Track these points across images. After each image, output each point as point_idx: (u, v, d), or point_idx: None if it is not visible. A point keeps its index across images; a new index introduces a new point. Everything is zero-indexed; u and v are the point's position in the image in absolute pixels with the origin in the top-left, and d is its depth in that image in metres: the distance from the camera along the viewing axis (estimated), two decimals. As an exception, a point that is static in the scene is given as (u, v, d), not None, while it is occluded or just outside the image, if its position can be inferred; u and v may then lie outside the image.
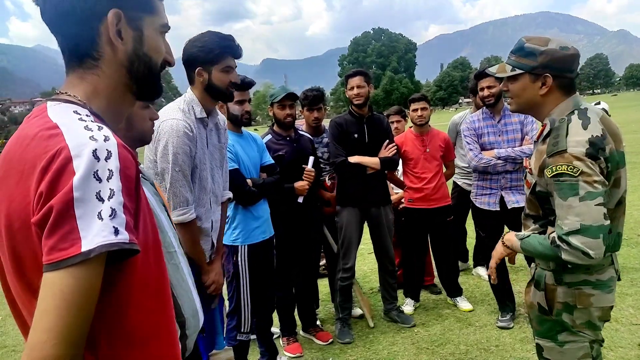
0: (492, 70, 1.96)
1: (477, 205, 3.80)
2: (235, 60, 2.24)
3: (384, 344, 3.60)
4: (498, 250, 1.98)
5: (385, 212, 3.82)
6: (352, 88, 3.68)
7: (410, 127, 4.23)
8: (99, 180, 0.80)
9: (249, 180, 2.92)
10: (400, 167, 4.20)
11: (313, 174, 3.40)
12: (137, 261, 0.88)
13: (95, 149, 0.81)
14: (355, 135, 3.70)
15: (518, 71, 1.81)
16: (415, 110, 4.06)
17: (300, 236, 3.49)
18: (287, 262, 3.49)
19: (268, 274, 3.07)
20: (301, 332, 3.85)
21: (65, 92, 0.96)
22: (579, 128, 1.68)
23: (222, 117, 2.41)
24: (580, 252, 1.60)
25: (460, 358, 3.30)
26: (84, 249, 0.76)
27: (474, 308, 4.05)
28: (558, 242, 1.65)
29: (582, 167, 1.61)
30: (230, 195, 2.50)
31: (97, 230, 0.77)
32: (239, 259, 2.87)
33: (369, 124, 3.75)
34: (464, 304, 4.11)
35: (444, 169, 4.22)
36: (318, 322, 3.95)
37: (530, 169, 1.89)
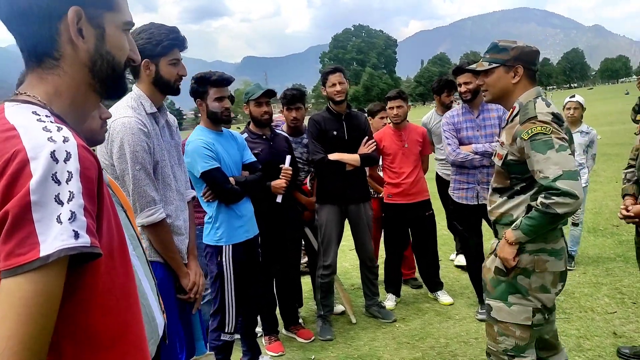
0: (473, 66, 2.31)
1: (455, 199, 3.84)
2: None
3: (364, 339, 3.62)
4: (508, 251, 2.09)
5: (365, 209, 3.83)
6: (334, 85, 3.66)
7: (389, 123, 4.25)
8: (58, 182, 0.78)
9: (231, 179, 2.89)
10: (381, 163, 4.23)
11: (290, 172, 3.37)
12: (100, 264, 0.86)
13: (54, 151, 0.79)
14: (334, 133, 3.70)
15: (494, 64, 2.16)
16: (392, 108, 4.09)
17: (279, 235, 3.48)
18: (267, 260, 3.47)
19: (252, 273, 3.05)
20: (283, 331, 3.84)
21: (25, 93, 0.93)
22: (543, 105, 2.06)
23: (171, 116, 2.31)
24: (568, 195, 1.86)
25: (440, 351, 3.33)
26: (42, 253, 0.74)
27: (453, 302, 4.09)
28: (545, 200, 1.91)
29: (551, 127, 1.96)
30: (194, 194, 2.42)
31: (56, 234, 0.75)
32: (224, 258, 2.84)
33: (347, 121, 3.76)
34: (444, 297, 4.15)
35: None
36: (300, 320, 3.95)
37: (502, 141, 2.17)
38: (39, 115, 0.87)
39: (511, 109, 2.17)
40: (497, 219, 2.22)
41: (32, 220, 0.75)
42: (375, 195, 4.33)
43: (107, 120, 1.78)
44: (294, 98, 3.79)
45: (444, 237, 5.41)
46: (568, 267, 4.48)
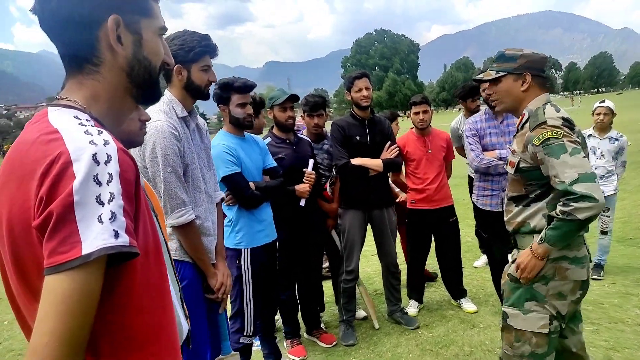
0: (480, 75, 2.29)
1: (478, 206, 3.80)
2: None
3: (387, 345, 3.60)
4: (535, 265, 2.04)
5: (388, 214, 3.82)
6: (360, 90, 3.66)
7: (412, 127, 4.24)
8: (99, 183, 0.81)
9: (251, 184, 2.92)
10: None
11: (314, 176, 3.40)
12: (137, 264, 0.89)
13: (95, 153, 0.82)
14: (358, 138, 3.71)
15: (502, 73, 2.16)
16: (417, 113, 4.07)
17: (302, 239, 3.50)
18: (290, 264, 3.49)
19: (271, 277, 3.08)
20: (305, 335, 3.85)
21: (66, 98, 0.97)
22: (552, 111, 2.04)
23: (202, 120, 2.38)
24: (587, 198, 1.82)
25: (464, 359, 3.29)
26: (84, 252, 0.77)
27: (478, 309, 4.04)
28: (565, 208, 1.86)
29: (563, 131, 1.94)
30: (223, 195, 2.47)
31: (97, 233, 0.78)
32: (242, 262, 2.88)
33: (370, 126, 3.76)
34: (468, 305, 4.10)
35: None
36: (322, 325, 3.95)
37: (514, 149, 2.16)
38: (80, 119, 0.90)
39: (521, 116, 2.15)
40: (515, 229, 2.18)
41: (74, 220, 0.78)
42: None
43: (146, 122, 1.83)
44: (317, 105, 3.80)
45: (468, 243, 5.35)
46: (597, 277, 4.43)
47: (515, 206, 2.15)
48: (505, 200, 2.23)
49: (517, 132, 2.17)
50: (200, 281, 2.19)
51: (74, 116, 0.91)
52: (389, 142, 3.79)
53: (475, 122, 3.96)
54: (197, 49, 2.14)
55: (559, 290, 2.04)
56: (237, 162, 2.87)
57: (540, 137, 1.95)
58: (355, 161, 3.65)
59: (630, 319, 3.62)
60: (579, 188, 1.83)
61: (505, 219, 2.22)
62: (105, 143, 0.85)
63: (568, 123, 1.99)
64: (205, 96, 2.28)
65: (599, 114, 4.48)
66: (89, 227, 0.78)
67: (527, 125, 2.07)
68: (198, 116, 2.34)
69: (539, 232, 2.05)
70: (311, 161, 3.44)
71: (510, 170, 2.15)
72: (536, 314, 2.06)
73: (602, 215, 4.54)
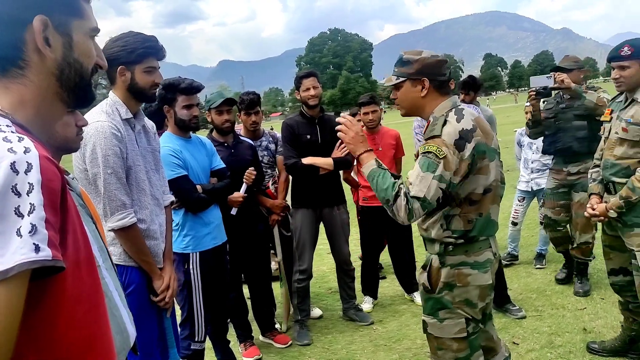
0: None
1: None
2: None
3: (342, 343, 3.63)
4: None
5: (339, 212, 3.85)
6: (308, 89, 3.67)
7: (363, 126, 4.28)
8: (18, 194, 0.76)
9: (198, 187, 2.87)
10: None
11: (241, 199, 3.31)
12: (66, 276, 0.85)
13: (14, 162, 0.77)
14: (308, 137, 3.71)
15: (401, 79, 2.08)
16: (366, 113, 4.12)
17: (243, 243, 3.45)
18: (233, 267, 3.43)
19: (221, 280, 3.03)
20: (260, 337, 3.81)
21: None
22: (453, 121, 1.97)
23: (149, 122, 2.35)
24: (409, 213, 1.87)
25: (416, 352, 3.36)
26: (1, 267, 0.73)
27: (429, 302, 4.13)
28: (401, 195, 1.88)
29: (447, 153, 1.89)
30: (173, 198, 2.43)
31: (16, 247, 0.74)
32: (191, 266, 2.81)
33: (320, 125, 3.77)
34: (420, 298, 4.19)
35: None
36: (277, 326, 3.94)
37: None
38: None
39: (427, 123, 2.12)
40: (421, 234, 2.22)
41: None
42: None
43: (82, 127, 1.77)
44: (252, 103, 3.80)
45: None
46: (540, 266, 4.63)
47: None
48: None
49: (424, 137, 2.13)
50: (147, 285, 2.15)
51: None
52: (340, 140, 3.80)
53: (423, 120, 4.06)
54: (139, 50, 2.09)
55: (465, 297, 2.04)
56: (182, 164, 2.81)
57: (426, 147, 1.93)
58: (306, 160, 3.65)
59: (570, 304, 3.81)
60: (414, 204, 1.86)
61: (416, 223, 2.22)
62: (26, 150, 0.80)
63: (464, 139, 1.92)
64: (149, 99, 2.24)
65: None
66: (8, 241, 0.74)
67: (427, 129, 2.05)
68: (145, 118, 2.30)
69: (438, 241, 2.06)
70: (244, 186, 3.35)
71: None
72: (450, 321, 2.06)
73: (517, 205, 4.82)
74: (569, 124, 3.86)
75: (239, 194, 3.30)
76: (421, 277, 2.19)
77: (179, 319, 2.90)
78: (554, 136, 3.94)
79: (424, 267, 2.20)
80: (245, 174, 3.36)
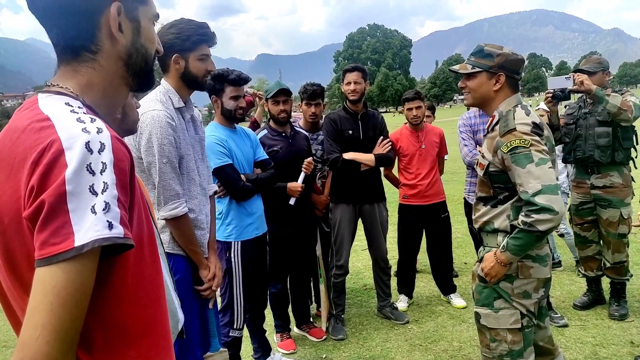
0: (455, 67, 2.24)
1: (469, 201, 3.81)
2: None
3: (377, 340, 3.61)
4: (499, 270, 2.07)
5: (379, 209, 3.82)
6: (349, 83, 3.66)
7: (405, 123, 4.23)
8: (92, 173, 0.78)
9: (242, 176, 2.90)
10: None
11: (300, 189, 3.34)
12: (131, 256, 0.87)
13: (88, 141, 0.80)
14: (350, 132, 3.69)
15: (477, 69, 2.13)
16: (410, 109, 4.06)
17: (293, 233, 3.48)
18: (281, 258, 3.48)
19: (261, 270, 3.06)
20: (295, 329, 3.84)
21: (57, 84, 0.94)
22: (523, 115, 2.03)
23: (197, 111, 2.35)
24: (547, 211, 1.87)
25: (453, 355, 3.31)
26: (77, 243, 0.75)
27: (467, 305, 4.06)
28: (527, 219, 1.91)
29: (531, 139, 1.95)
30: (216, 188, 2.44)
31: (91, 224, 0.76)
32: (232, 255, 2.85)
33: (363, 121, 3.74)
34: (457, 300, 4.12)
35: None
36: (312, 319, 3.95)
37: (483, 152, 2.18)
38: (72, 106, 0.88)
39: (491, 118, 2.16)
40: (480, 227, 2.22)
41: (67, 210, 0.75)
42: None
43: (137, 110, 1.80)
44: (315, 94, 3.77)
45: (458, 239, 5.38)
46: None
47: (483, 205, 2.18)
48: (475, 200, 2.26)
49: (487, 133, 2.18)
50: (192, 274, 2.17)
51: (66, 103, 0.88)
52: (382, 136, 3.78)
53: (469, 118, 3.99)
54: (194, 37, 2.09)
55: (524, 289, 2.07)
56: (228, 153, 2.85)
57: (509, 144, 1.97)
58: (347, 155, 3.64)
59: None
60: (540, 200, 1.87)
61: (473, 217, 2.27)
62: (99, 131, 0.82)
63: (538, 128, 1.99)
64: (202, 87, 2.24)
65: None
66: (82, 218, 0.76)
67: (497, 128, 2.07)
68: (193, 107, 2.31)
69: (502, 231, 2.09)
70: (302, 176, 3.39)
71: (480, 172, 2.18)
72: (507, 311, 2.08)
73: None
74: (590, 130, 3.57)
75: (298, 184, 3.33)
76: (476, 270, 2.21)
77: (219, 307, 2.96)
78: (574, 144, 3.66)
79: (480, 261, 2.20)
80: (305, 163, 3.40)
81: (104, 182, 0.79)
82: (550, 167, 1.92)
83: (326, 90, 4.90)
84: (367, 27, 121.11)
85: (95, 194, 0.78)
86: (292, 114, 3.75)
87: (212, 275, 2.19)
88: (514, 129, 1.98)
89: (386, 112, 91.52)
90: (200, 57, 2.13)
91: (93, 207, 0.77)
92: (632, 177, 3.64)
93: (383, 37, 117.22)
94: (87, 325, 0.81)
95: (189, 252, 2.12)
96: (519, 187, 1.96)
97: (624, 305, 3.69)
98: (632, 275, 3.77)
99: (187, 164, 2.12)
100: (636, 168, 3.65)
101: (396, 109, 74.87)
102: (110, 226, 0.77)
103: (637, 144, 3.60)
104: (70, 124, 0.82)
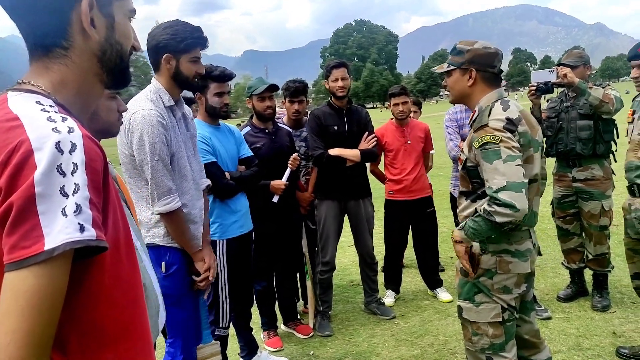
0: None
1: (455, 196, 3.84)
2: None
3: (363, 336, 3.62)
4: (459, 250, 2.17)
5: (364, 205, 3.82)
6: (337, 80, 3.64)
7: (391, 118, 4.24)
8: (63, 174, 0.76)
9: (227, 174, 2.88)
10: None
11: (284, 187, 3.34)
12: (107, 257, 0.85)
13: (59, 141, 0.77)
14: (335, 128, 3.69)
15: (451, 67, 2.17)
16: (396, 104, 4.06)
17: (277, 230, 3.46)
18: (266, 256, 3.46)
19: (246, 269, 3.05)
20: (282, 326, 3.84)
21: (28, 82, 0.91)
22: (499, 110, 2.03)
23: (187, 108, 2.40)
24: (508, 206, 1.88)
25: (439, 349, 3.33)
26: (47, 246, 0.73)
27: (453, 299, 4.09)
28: (488, 207, 1.94)
29: (501, 136, 1.95)
30: (209, 182, 2.48)
31: (61, 227, 0.74)
32: (217, 253, 2.83)
33: (348, 116, 3.74)
34: (443, 295, 4.15)
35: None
36: (299, 316, 3.95)
37: (463, 148, 2.20)
38: (43, 105, 0.85)
39: (472, 113, 2.18)
40: (462, 221, 2.23)
41: (36, 213, 0.73)
42: None
43: (122, 113, 1.82)
44: (297, 91, 3.76)
45: (444, 234, 5.41)
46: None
47: (465, 200, 2.21)
48: (458, 194, 2.30)
49: (471, 127, 2.21)
50: (188, 267, 2.24)
51: (37, 101, 0.86)
52: (367, 132, 3.78)
53: (455, 113, 4.02)
54: (188, 40, 2.16)
55: (503, 284, 2.09)
56: (212, 151, 2.83)
57: (480, 140, 1.99)
58: (333, 151, 3.63)
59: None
60: (503, 196, 1.89)
61: (457, 211, 2.31)
62: (70, 130, 0.80)
63: (511, 124, 1.98)
64: (193, 87, 2.31)
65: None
66: (53, 220, 0.74)
67: (475, 121, 2.11)
68: (184, 105, 2.36)
69: None
70: (287, 172, 3.38)
71: (459, 166, 2.22)
72: (487, 305, 2.11)
73: None
74: (572, 123, 3.60)
75: (281, 182, 3.32)
76: (459, 264, 2.22)
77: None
78: (556, 137, 3.69)
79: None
80: (291, 159, 3.40)
81: (75, 183, 0.77)
82: (518, 165, 1.92)
83: (313, 86, 4.87)
84: (353, 23, 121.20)
85: (66, 195, 0.76)
86: (277, 110, 3.73)
87: (208, 266, 2.26)
88: (486, 125, 2.00)
89: (373, 107, 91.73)
90: (192, 59, 2.19)
91: (64, 209, 0.75)
92: (612, 170, 3.69)
93: (369, 32, 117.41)
94: (62, 328, 0.79)
95: (183, 245, 2.20)
96: (485, 182, 1.99)
97: (606, 297, 3.75)
98: (613, 267, 3.83)
99: (178, 160, 2.18)
100: (616, 161, 3.70)
101: (383, 105, 75.05)
102: (82, 228, 0.76)
103: (617, 137, 3.65)
104: (40, 123, 0.80)
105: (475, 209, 2.06)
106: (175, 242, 2.19)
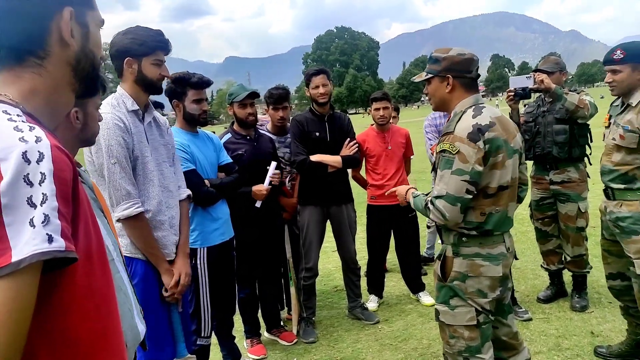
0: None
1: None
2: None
3: (347, 341, 3.62)
4: (400, 193, 2.44)
5: (347, 210, 3.83)
6: (317, 87, 3.65)
7: (372, 124, 4.26)
8: (30, 184, 0.75)
9: (206, 181, 2.86)
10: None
11: (277, 177, 3.37)
12: (78, 268, 0.84)
13: (25, 151, 0.76)
14: (317, 134, 3.69)
15: (429, 75, 2.21)
16: (377, 109, 4.09)
17: (261, 238, 3.45)
18: (248, 263, 3.44)
19: (228, 276, 3.03)
20: (265, 334, 3.81)
21: None
22: (469, 117, 2.06)
23: (162, 118, 2.39)
24: (439, 213, 2.03)
25: (422, 352, 3.34)
26: (14, 259, 0.72)
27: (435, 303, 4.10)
28: (429, 204, 2.09)
29: (460, 147, 2.00)
30: (189, 192, 2.45)
31: (28, 238, 0.73)
32: (198, 261, 2.81)
33: (330, 122, 3.75)
34: (426, 298, 4.17)
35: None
36: (282, 323, 3.92)
37: (434, 151, 2.29)
38: (10, 114, 0.84)
39: (448, 117, 2.22)
40: (438, 224, 2.28)
41: (2, 224, 0.72)
42: None
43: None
44: (281, 97, 3.75)
45: (425, 238, 5.43)
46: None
47: None
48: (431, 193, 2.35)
49: None
50: (156, 278, 2.16)
51: (3, 111, 0.84)
52: (349, 138, 3.79)
53: (434, 119, 4.08)
54: (149, 42, 2.15)
55: (477, 287, 2.11)
56: (190, 158, 2.81)
57: (441, 145, 2.07)
58: (314, 158, 3.63)
59: (578, 308, 3.77)
60: (439, 203, 2.03)
61: None
62: (37, 140, 0.79)
63: (477, 133, 2.00)
64: (158, 90, 2.29)
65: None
66: (20, 231, 0.73)
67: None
68: (155, 112, 2.34)
69: (454, 231, 2.15)
70: (273, 163, 3.37)
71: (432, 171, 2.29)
72: (462, 309, 2.14)
73: None
74: (549, 127, 3.67)
75: (263, 187, 3.29)
76: (435, 268, 2.27)
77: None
78: (533, 141, 3.76)
79: (438, 257, 2.27)
80: (271, 175, 3.34)
81: (42, 193, 0.76)
82: (463, 181, 1.99)
83: (296, 92, 4.88)
84: (335, 30, 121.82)
85: (33, 206, 0.74)
86: (259, 117, 3.72)
87: (175, 282, 2.18)
88: (452, 132, 2.05)
89: (355, 113, 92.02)
90: (154, 62, 2.18)
91: (31, 220, 0.74)
92: (587, 173, 3.77)
93: (351, 39, 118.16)
94: (32, 340, 0.78)
95: (147, 255, 2.13)
96: (433, 183, 2.09)
97: (584, 297, 3.81)
98: (591, 268, 3.90)
99: (143, 165, 2.15)
100: (591, 164, 3.77)
101: (365, 110, 75.49)
102: (50, 239, 0.74)
103: (591, 141, 3.73)
104: (7, 132, 0.78)
105: (428, 193, 2.19)
106: (139, 253, 2.12)
